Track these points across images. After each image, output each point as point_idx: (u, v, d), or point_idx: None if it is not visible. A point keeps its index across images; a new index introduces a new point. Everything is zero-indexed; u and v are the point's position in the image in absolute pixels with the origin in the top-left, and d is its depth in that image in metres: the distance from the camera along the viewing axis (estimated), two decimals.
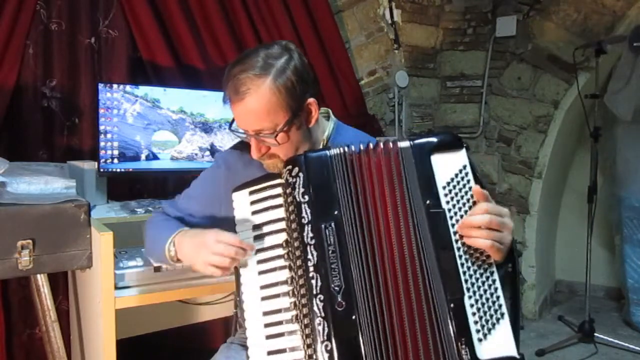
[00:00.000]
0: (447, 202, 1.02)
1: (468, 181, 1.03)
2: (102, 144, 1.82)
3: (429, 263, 1.00)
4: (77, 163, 1.84)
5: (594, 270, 3.00)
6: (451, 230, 1.01)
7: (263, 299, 1.07)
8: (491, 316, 0.98)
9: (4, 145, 1.88)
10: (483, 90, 3.42)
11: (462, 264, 0.99)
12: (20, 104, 1.92)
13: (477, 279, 0.99)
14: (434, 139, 1.07)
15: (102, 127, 1.81)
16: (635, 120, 2.96)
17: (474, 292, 0.98)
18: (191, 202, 1.33)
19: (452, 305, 0.97)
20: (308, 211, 1.04)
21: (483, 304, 0.98)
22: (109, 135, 1.83)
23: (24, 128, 1.94)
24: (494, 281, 0.99)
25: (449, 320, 0.97)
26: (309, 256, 1.02)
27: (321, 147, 1.25)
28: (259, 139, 1.14)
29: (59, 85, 2.01)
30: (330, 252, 1.01)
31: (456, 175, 1.04)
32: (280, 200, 1.10)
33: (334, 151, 1.07)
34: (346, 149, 1.07)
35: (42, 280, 1.46)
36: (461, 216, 1.01)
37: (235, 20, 2.39)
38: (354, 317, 0.98)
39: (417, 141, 1.07)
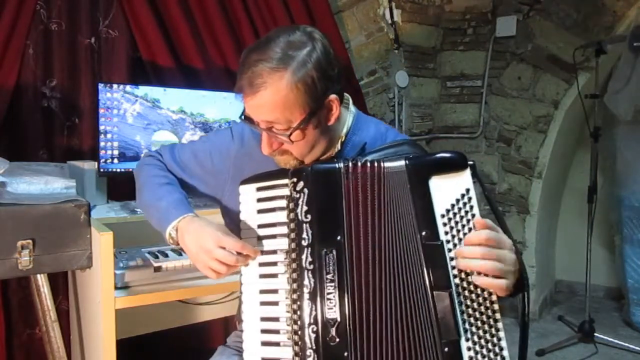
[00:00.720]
0: (446, 233, 0.92)
1: (471, 207, 0.92)
2: (102, 144, 1.82)
3: (423, 302, 0.91)
4: (77, 163, 1.84)
5: (594, 270, 3.00)
6: (449, 264, 0.91)
7: (262, 303, 1.02)
8: None
9: (4, 145, 1.88)
10: (483, 90, 3.42)
11: (461, 302, 0.90)
12: (20, 104, 1.92)
13: (476, 319, 0.91)
14: (432, 159, 0.96)
15: (102, 127, 1.81)
16: (635, 120, 2.96)
17: (472, 334, 0.90)
18: (195, 164, 1.25)
19: (446, 349, 0.89)
20: (309, 232, 0.96)
21: (482, 347, 0.90)
22: (109, 135, 1.83)
23: (24, 128, 1.94)
24: (495, 321, 0.91)
25: None
26: (306, 282, 0.95)
27: (339, 144, 1.14)
28: (271, 134, 1.04)
29: (59, 85, 2.01)
30: (328, 281, 0.93)
31: (457, 201, 0.93)
32: (286, 203, 1.02)
33: (343, 164, 0.98)
34: (355, 162, 0.98)
35: (42, 280, 1.46)
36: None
37: (235, 20, 2.39)
38: (346, 354, 0.91)
39: (413, 161, 0.95)
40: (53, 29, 1.98)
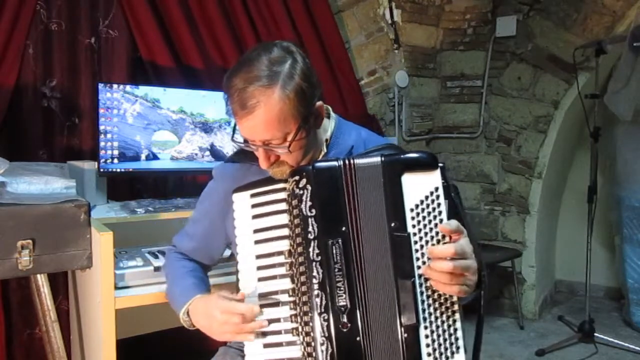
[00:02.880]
0: (414, 226, 0.97)
1: (439, 204, 0.98)
2: (102, 144, 1.82)
3: (390, 289, 0.97)
4: (77, 163, 1.84)
5: (594, 270, 3.00)
6: (414, 256, 0.96)
7: (262, 306, 1.04)
8: (445, 349, 0.96)
9: (4, 145, 1.88)
10: (483, 90, 3.42)
11: (422, 292, 0.96)
12: (20, 104, 1.92)
13: (435, 309, 0.96)
14: (406, 157, 1.01)
15: (102, 127, 1.81)
16: (635, 120, 2.96)
17: (430, 323, 0.96)
18: (197, 226, 1.31)
19: (405, 334, 0.95)
20: (315, 226, 1.00)
21: (439, 336, 0.96)
22: (109, 135, 1.83)
23: (24, 128, 1.94)
24: (453, 312, 0.97)
25: (401, 349, 0.95)
26: (314, 273, 0.98)
27: (324, 147, 1.19)
28: (268, 149, 1.07)
29: (59, 85, 2.01)
30: (336, 270, 0.97)
31: (426, 198, 0.98)
32: (283, 206, 1.06)
33: (342, 162, 1.02)
34: (351, 160, 1.03)
35: (42, 280, 1.46)
36: (426, 242, 0.97)
37: (235, 20, 2.39)
38: (358, 338, 0.96)
39: (387, 158, 1.01)
40: (53, 29, 1.98)
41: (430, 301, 0.96)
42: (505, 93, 3.37)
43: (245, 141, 1.09)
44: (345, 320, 0.96)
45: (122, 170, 1.87)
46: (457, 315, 0.97)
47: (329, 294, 0.97)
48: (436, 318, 0.96)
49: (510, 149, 3.38)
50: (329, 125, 1.21)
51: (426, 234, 0.97)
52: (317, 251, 0.99)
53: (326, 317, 0.97)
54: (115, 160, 1.85)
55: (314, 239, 1.00)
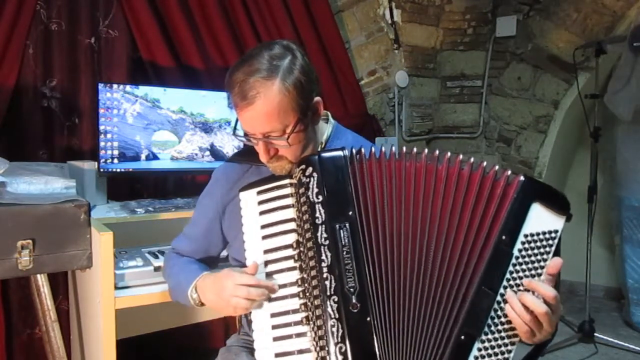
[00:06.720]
0: (520, 251, 0.98)
1: (551, 246, 0.99)
2: (102, 144, 1.82)
3: (462, 289, 0.98)
4: (77, 163, 1.84)
5: (594, 270, 3.00)
6: (507, 275, 0.97)
7: (271, 300, 1.06)
8: None
9: (4, 145, 1.88)
10: (483, 90, 3.42)
11: (495, 310, 0.96)
12: (20, 104, 1.92)
13: (499, 331, 0.97)
14: (547, 187, 1.03)
15: (102, 127, 1.81)
16: (635, 120, 2.96)
17: (488, 340, 0.96)
18: (195, 228, 1.33)
19: (462, 337, 0.96)
20: (322, 211, 1.02)
21: (489, 355, 0.96)
22: (109, 135, 1.83)
23: (24, 128, 1.94)
24: (512, 343, 0.97)
25: (449, 349, 0.96)
26: (323, 257, 1.01)
27: (319, 149, 1.22)
28: (268, 142, 1.10)
29: (59, 85, 2.01)
30: (344, 253, 1.00)
31: (544, 234, 0.99)
32: (288, 201, 1.09)
33: (347, 152, 1.06)
34: (354, 150, 1.07)
35: (42, 280, 1.46)
36: (522, 270, 0.98)
37: (235, 20, 2.39)
38: (368, 319, 0.97)
39: (530, 180, 1.02)
40: (53, 29, 1.98)
41: (498, 321, 0.96)
42: (505, 93, 3.38)
43: (246, 135, 1.12)
44: (354, 301, 0.98)
45: (122, 170, 1.87)
46: (513, 347, 0.97)
47: (337, 277, 0.99)
48: (495, 339, 0.96)
49: (510, 149, 3.38)
50: (327, 129, 1.25)
51: (527, 263, 0.98)
52: (325, 235, 1.01)
53: (336, 299, 0.98)
54: (115, 160, 1.85)
55: (322, 223, 1.02)
